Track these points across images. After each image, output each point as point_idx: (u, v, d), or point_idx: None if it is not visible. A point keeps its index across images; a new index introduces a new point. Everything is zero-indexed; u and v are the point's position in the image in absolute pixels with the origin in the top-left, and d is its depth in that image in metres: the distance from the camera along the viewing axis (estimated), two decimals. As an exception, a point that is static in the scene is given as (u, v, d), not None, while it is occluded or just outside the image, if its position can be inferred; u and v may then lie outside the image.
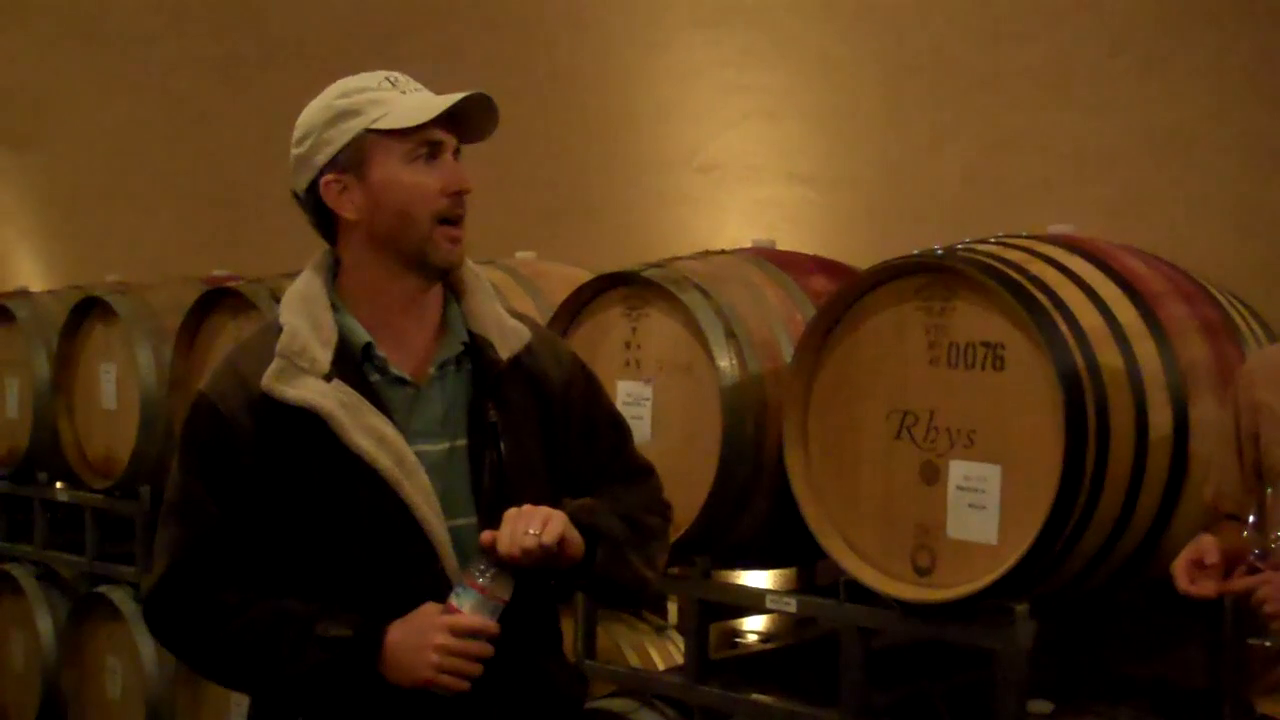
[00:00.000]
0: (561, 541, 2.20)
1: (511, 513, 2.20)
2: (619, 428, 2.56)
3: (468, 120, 2.32)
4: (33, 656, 6.03)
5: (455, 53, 5.94)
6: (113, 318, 5.55)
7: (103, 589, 5.58)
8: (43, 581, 6.07)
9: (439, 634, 2.17)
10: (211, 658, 2.33)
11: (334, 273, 2.37)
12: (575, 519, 2.26)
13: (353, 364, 2.29)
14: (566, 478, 2.42)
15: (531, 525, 2.17)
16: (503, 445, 2.32)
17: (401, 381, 2.32)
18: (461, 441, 2.32)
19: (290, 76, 6.90)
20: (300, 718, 2.30)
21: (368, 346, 2.30)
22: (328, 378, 2.25)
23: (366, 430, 2.24)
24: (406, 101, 2.28)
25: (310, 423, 2.24)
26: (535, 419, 2.39)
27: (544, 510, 2.21)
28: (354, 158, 2.28)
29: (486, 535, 2.19)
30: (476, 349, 2.36)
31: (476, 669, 2.18)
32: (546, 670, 2.42)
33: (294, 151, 2.36)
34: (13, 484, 6.19)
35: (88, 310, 5.69)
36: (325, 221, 2.36)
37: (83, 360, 5.76)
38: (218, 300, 5.12)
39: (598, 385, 2.56)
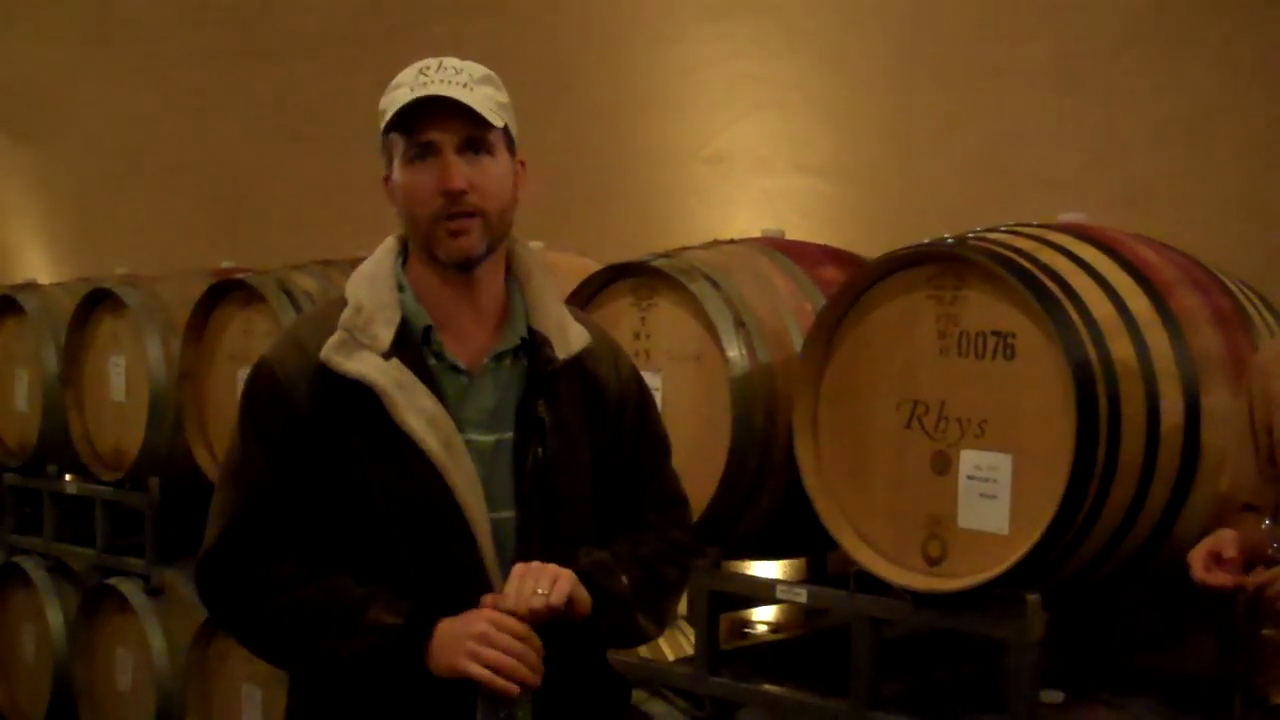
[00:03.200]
0: (569, 600, 2.21)
1: (519, 568, 2.21)
2: (662, 449, 2.57)
3: (464, 110, 2.28)
4: (43, 648, 6.05)
5: (464, 44, 5.91)
6: (122, 310, 5.56)
7: (113, 581, 5.58)
8: (53, 574, 6.08)
9: (482, 622, 2.17)
10: (260, 631, 2.33)
11: (404, 256, 2.41)
12: (587, 578, 2.27)
13: (412, 345, 2.31)
14: (610, 485, 2.43)
15: (540, 584, 2.19)
16: (549, 443, 2.32)
17: (456, 369, 2.33)
18: (509, 435, 2.33)
19: (299, 69, 6.91)
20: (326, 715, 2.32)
21: (428, 330, 2.33)
22: (386, 355, 2.27)
23: (418, 411, 2.25)
24: (404, 100, 2.28)
25: (364, 397, 2.25)
26: (586, 421, 2.40)
27: (552, 569, 2.21)
28: (386, 157, 2.35)
29: (488, 598, 2.21)
30: (534, 345, 2.37)
31: (515, 666, 2.15)
32: (589, 678, 2.42)
33: None
34: (22, 476, 6.20)
35: (97, 302, 5.70)
36: None
37: (92, 352, 5.77)
38: (226, 292, 5.12)
39: (650, 402, 2.57)
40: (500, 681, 2.14)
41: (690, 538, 2.56)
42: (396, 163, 2.32)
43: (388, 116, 2.30)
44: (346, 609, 2.23)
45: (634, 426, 2.48)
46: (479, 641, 2.15)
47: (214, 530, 2.33)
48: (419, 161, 2.29)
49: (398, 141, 2.31)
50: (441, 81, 2.28)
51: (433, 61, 2.32)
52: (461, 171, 2.27)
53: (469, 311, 2.37)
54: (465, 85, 2.28)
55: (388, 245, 2.42)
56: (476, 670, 2.14)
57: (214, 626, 4.97)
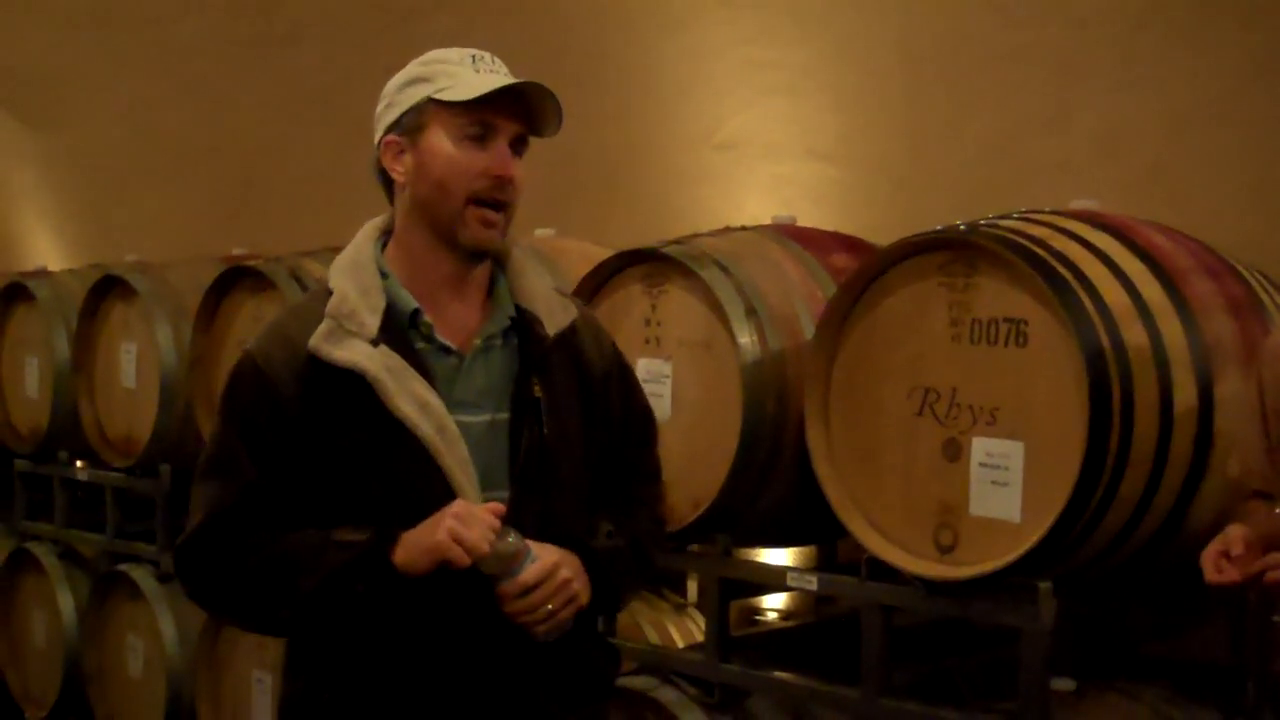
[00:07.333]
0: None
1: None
2: (649, 424, 2.63)
3: (535, 112, 2.34)
4: (54, 635, 6.06)
5: (473, 32, 5.90)
6: (132, 297, 5.56)
7: (123, 567, 5.60)
8: (64, 560, 6.10)
9: (451, 511, 2.22)
10: (238, 592, 2.34)
11: (384, 243, 2.42)
12: (599, 566, 2.35)
13: (399, 331, 2.32)
14: (599, 460, 2.46)
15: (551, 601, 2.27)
16: (545, 421, 2.34)
17: (446, 351, 2.34)
18: (503, 415, 2.35)
19: (307, 56, 6.90)
20: (328, 694, 2.33)
21: (415, 313, 2.33)
22: (374, 343, 2.28)
23: (410, 397, 2.26)
24: (475, 80, 2.30)
25: (355, 386, 2.26)
26: (577, 398, 2.43)
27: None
28: (414, 122, 2.33)
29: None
30: (524, 324, 2.39)
31: (484, 546, 2.19)
32: (581, 647, 2.44)
33: (376, 112, 2.41)
34: (33, 463, 6.22)
35: (107, 289, 5.70)
36: (388, 184, 2.40)
37: (102, 339, 5.77)
38: (237, 279, 5.12)
39: (633, 377, 2.62)
40: (466, 560, 2.18)
41: (663, 506, 2.68)
42: (439, 133, 2.31)
43: (444, 88, 2.30)
44: (315, 540, 2.25)
45: (621, 401, 2.53)
46: (455, 520, 2.19)
47: (195, 520, 2.34)
48: (476, 141, 2.30)
49: (440, 113, 2.31)
50: (510, 77, 2.33)
51: (483, 53, 2.36)
52: (514, 163, 2.32)
53: (457, 294, 2.38)
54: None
55: (366, 232, 2.44)
56: (456, 552, 2.18)
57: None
